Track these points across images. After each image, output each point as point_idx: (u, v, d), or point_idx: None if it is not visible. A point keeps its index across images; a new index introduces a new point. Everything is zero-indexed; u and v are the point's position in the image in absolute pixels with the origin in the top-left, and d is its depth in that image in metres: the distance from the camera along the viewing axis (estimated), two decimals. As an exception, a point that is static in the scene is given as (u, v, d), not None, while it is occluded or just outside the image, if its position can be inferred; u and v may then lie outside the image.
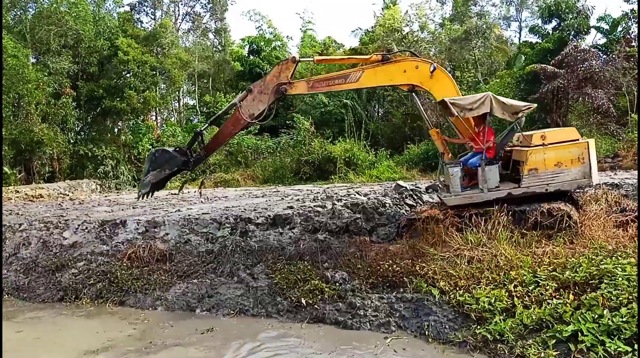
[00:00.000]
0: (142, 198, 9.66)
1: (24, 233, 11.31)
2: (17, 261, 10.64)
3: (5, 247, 11.14)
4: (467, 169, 8.29)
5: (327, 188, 17.62)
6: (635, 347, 4.82)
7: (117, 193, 23.02)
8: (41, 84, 22.84)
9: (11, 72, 21.22)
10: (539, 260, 6.74)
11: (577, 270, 6.15)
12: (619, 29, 23.81)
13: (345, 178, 22.36)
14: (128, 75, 27.13)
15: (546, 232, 7.51)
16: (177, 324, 7.59)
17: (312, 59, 9.88)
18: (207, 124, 11.26)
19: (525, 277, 6.36)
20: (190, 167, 9.41)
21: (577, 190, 8.82)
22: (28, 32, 24.08)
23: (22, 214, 13.53)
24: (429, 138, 25.03)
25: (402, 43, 29.48)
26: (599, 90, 18.21)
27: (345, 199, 10.72)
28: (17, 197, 19.18)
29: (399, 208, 10.16)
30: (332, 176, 22.96)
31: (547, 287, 6.05)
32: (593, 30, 24.91)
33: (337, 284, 7.71)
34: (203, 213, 11.24)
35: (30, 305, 9.13)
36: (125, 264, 9.62)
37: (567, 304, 5.66)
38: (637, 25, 20.58)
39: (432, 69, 8.10)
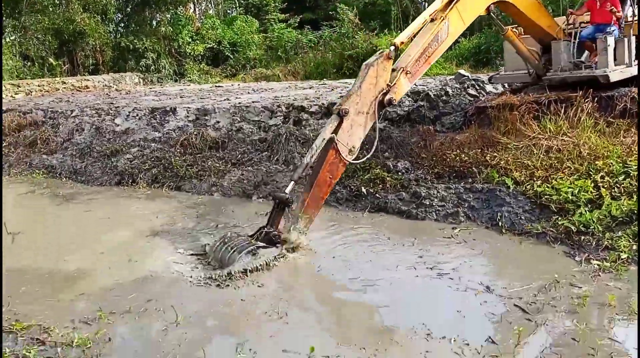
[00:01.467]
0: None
1: (77, 119, 11.31)
2: (72, 146, 10.72)
3: (59, 132, 11.19)
4: (587, 44, 7.83)
5: (376, 81, 16.87)
6: None
7: (161, 85, 22.82)
8: (81, -30, 22.00)
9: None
10: (629, 149, 6.15)
11: (675, 159, 5.60)
12: None
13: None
14: (167, -38, 25.81)
15: (635, 120, 6.82)
16: (236, 208, 7.51)
17: (393, 48, 5.82)
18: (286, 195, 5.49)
19: (613, 167, 5.84)
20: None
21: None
22: None
23: (72, 102, 13.52)
24: (480, 31, 23.58)
25: None
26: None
27: (403, 89, 10.10)
28: (65, 88, 19.27)
29: (462, 97, 9.49)
30: (378, 72, 21.99)
31: (640, 178, 5.55)
32: None
33: (400, 173, 7.38)
34: (253, 102, 10.86)
35: (89, 188, 9.24)
36: (178, 151, 9.52)
37: (663, 195, 5.19)
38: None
39: None
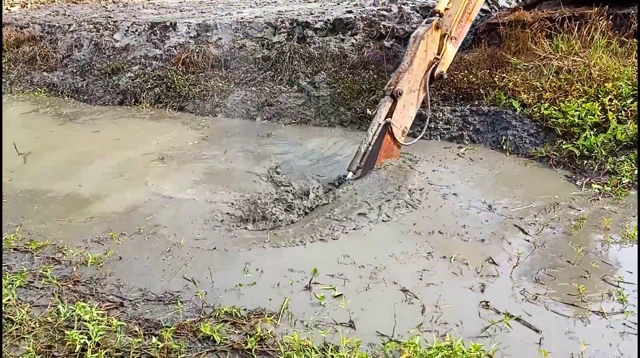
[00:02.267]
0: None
1: (75, 34, 10.98)
2: (71, 63, 10.52)
3: (58, 48, 10.94)
4: None
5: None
6: None
7: (158, -4, 21.90)
8: None
9: None
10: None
11: (688, 83, 5.48)
12: None
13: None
14: None
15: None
16: (242, 131, 7.53)
17: (438, 16, 5.47)
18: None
19: (622, 90, 5.72)
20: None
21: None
22: None
23: (69, 15, 13.08)
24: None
25: None
26: None
27: (412, 3, 9.67)
28: (59, -1, 18.49)
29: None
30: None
31: (649, 100, 5.47)
32: None
33: (406, 94, 7.28)
34: (256, 17, 10.47)
35: (92, 107, 9.21)
36: (180, 69, 9.34)
37: (671, 119, 5.15)
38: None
39: None
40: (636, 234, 4.04)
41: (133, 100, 9.23)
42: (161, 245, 4.25)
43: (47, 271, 3.83)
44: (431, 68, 5.46)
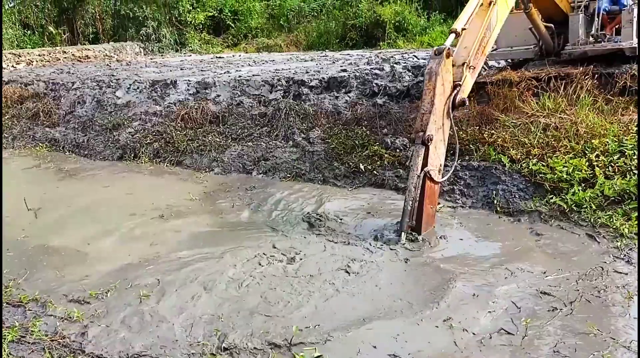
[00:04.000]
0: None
1: (78, 92, 11.32)
2: (74, 119, 10.77)
3: (61, 105, 11.23)
4: (603, 17, 7.77)
5: (379, 52, 16.71)
6: None
7: (162, 56, 22.65)
8: None
9: None
10: (625, 128, 6.18)
11: (671, 139, 5.64)
12: None
13: (395, 45, 21.11)
14: None
15: (635, 98, 6.82)
16: (239, 186, 7.61)
17: (454, 36, 5.42)
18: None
19: (608, 146, 5.89)
20: None
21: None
22: None
23: (73, 74, 13.51)
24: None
25: None
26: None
27: (404, 63, 10.05)
28: (65, 58, 19.16)
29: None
30: (380, 43, 21.72)
31: (634, 157, 5.61)
32: None
33: (398, 150, 7.44)
34: (253, 75, 10.84)
35: (92, 162, 9.35)
36: (179, 125, 9.56)
37: (656, 175, 5.26)
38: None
39: None
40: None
41: (132, 155, 9.39)
42: (145, 304, 4.24)
43: (35, 326, 3.83)
44: (452, 97, 5.28)
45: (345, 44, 22.95)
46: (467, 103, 5.54)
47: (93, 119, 10.55)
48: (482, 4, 5.67)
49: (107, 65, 16.29)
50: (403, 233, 5.06)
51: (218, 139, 9.03)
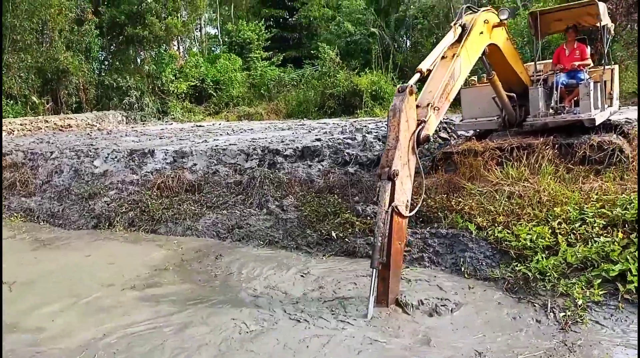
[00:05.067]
0: None
1: (56, 161, 11.40)
2: (50, 188, 10.78)
3: (38, 175, 11.26)
4: (562, 90, 8.24)
5: (354, 121, 17.23)
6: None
7: (143, 124, 23.02)
8: (63, 8, 22.36)
9: (33, -5, 20.79)
10: (586, 196, 6.40)
11: (628, 207, 5.82)
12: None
13: (372, 113, 21.83)
14: (149, 0, 26.38)
15: (594, 167, 7.12)
16: (212, 254, 7.58)
17: (418, 76, 5.58)
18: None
19: (570, 214, 6.07)
20: None
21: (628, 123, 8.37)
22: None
23: (52, 143, 13.62)
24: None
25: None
26: (650, 17, 16.95)
27: (376, 132, 10.39)
28: (47, 127, 19.39)
29: (432, 141, 9.79)
30: (358, 111, 22.45)
31: (595, 225, 5.77)
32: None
33: (369, 218, 7.55)
34: (230, 144, 11.08)
35: (67, 232, 9.27)
36: (155, 193, 9.64)
37: (615, 243, 5.39)
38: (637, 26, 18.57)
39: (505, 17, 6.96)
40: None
41: (107, 224, 9.35)
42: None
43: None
44: (416, 133, 5.34)
45: (324, 112, 23.64)
46: (431, 140, 5.63)
47: (69, 188, 10.58)
48: (445, 56, 5.98)
49: (88, 134, 16.49)
50: (374, 270, 4.98)
51: (193, 208, 9.09)
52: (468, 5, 6.68)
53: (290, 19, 37.93)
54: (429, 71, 5.71)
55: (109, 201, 9.82)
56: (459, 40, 6.13)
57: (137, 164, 10.72)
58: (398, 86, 5.43)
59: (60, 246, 8.42)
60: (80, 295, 6.08)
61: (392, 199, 5.11)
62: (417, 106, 5.49)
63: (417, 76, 5.53)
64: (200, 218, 8.81)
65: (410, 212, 5.50)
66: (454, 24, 6.19)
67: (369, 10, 30.47)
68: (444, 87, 5.78)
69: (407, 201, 5.40)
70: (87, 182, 10.68)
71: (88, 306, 5.78)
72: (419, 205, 5.75)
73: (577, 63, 8.48)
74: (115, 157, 11.15)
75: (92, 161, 11.28)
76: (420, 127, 5.38)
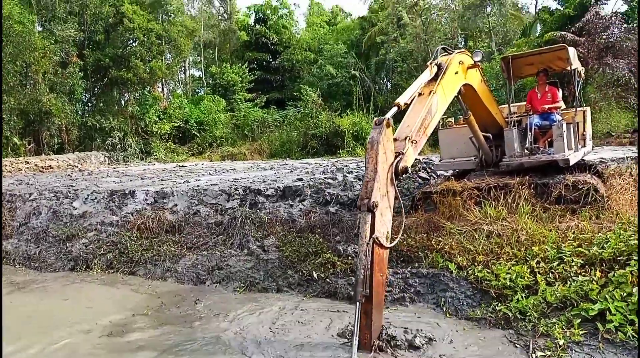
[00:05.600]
0: None
1: (34, 203, 11.23)
2: (28, 230, 10.59)
3: (16, 216, 11.06)
4: (535, 131, 8.45)
5: (336, 161, 17.38)
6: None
7: (125, 165, 22.91)
8: (48, 52, 22.53)
9: (17, 39, 20.94)
10: (563, 235, 6.47)
11: (605, 245, 5.89)
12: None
13: (353, 153, 22.08)
14: (134, 44, 26.77)
15: (570, 206, 7.24)
16: (190, 296, 7.44)
17: (396, 109, 5.65)
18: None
19: (548, 253, 6.11)
20: None
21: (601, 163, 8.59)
22: (33, -2, 23.73)
23: (32, 184, 13.46)
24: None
25: (413, 10, 28.78)
26: (620, 60, 17.63)
27: (357, 172, 10.48)
28: (28, 168, 19.19)
29: (412, 181, 9.91)
30: (340, 151, 22.72)
31: (572, 264, 5.81)
32: (613, -3, 24.12)
33: (350, 258, 7.52)
34: (212, 185, 11.06)
35: (44, 275, 9.06)
36: (134, 235, 9.52)
37: (594, 281, 5.42)
38: (637, 26, 19.58)
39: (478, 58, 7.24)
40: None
41: (84, 266, 9.17)
42: None
43: None
44: (394, 165, 5.33)
45: (307, 152, 23.86)
46: (409, 171, 5.57)
47: (47, 230, 10.40)
48: (422, 93, 6.08)
49: (69, 175, 16.34)
50: (358, 303, 4.85)
51: (173, 249, 8.97)
52: (443, 47, 6.88)
53: (273, 62, 38.63)
54: (407, 104, 5.76)
55: (87, 243, 9.67)
56: (435, 78, 6.27)
57: (117, 205, 10.62)
58: (375, 118, 5.42)
59: (35, 289, 8.22)
60: (55, 341, 5.91)
61: (372, 231, 5.05)
62: (395, 140, 5.53)
63: (394, 109, 5.59)
64: (180, 259, 8.69)
65: (390, 243, 5.43)
66: (430, 63, 6.36)
67: (350, 54, 31.26)
68: (421, 121, 5.85)
69: (388, 232, 5.34)
70: (65, 224, 10.52)
71: (63, 353, 5.60)
72: (398, 237, 5.73)
73: (547, 106, 8.73)
74: (95, 198, 11.04)
75: (72, 203, 11.14)
76: (398, 159, 5.38)
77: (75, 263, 9.30)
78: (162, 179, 12.95)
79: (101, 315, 6.69)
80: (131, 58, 25.73)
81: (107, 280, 8.49)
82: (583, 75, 9.63)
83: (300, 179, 10.25)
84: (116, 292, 7.87)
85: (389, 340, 5.26)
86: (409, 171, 5.57)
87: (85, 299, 7.56)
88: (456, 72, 6.71)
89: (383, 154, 5.24)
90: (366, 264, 4.96)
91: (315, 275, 7.33)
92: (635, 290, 5.05)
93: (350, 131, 23.08)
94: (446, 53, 6.77)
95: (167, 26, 28.16)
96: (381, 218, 5.20)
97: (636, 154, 10.45)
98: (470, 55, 7.17)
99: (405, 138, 5.61)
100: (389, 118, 5.30)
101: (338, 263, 7.40)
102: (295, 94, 29.05)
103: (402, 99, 5.68)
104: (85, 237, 9.89)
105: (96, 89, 28.02)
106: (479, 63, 7.23)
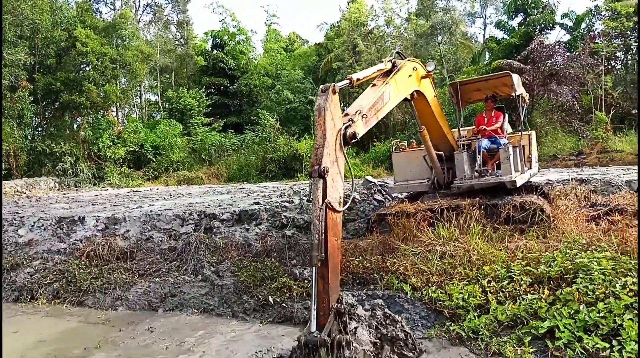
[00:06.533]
0: None
1: (-26, 231, 10.67)
2: (-34, 261, 10.02)
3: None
4: (484, 154, 8.69)
5: (294, 184, 17.38)
6: (614, 342, 4.75)
7: (77, 190, 22.21)
8: (-5, 76, 21.85)
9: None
10: (512, 254, 6.64)
11: (552, 264, 6.07)
12: (583, 25, 24.28)
13: (312, 176, 22.14)
14: (87, 68, 26.27)
15: (519, 226, 7.45)
16: (143, 327, 7.18)
17: (348, 82, 5.69)
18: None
19: (498, 272, 6.25)
20: None
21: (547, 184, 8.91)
22: (-19, 22, 23.00)
23: (-28, 212, 12.80)
24: (394, 135, 25.25)
25: (368, 38, 29.49)
26: (564, 87, 18.51)
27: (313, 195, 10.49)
28: (-31, 194, 18.23)
29: (368, 203, 9.99)
30: (298, 174, 22.79)
31: (522, 282, 5.95)
32: (557, 27, 25.39)
33: (306, 281, 7.47)
34: (165, 209, 10.84)
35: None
36: (83, 262, 9.18)
37: (542, 299, 5.56)
38: (637, 27, 20.70)
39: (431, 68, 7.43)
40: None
41: (29, 297, 8.75)
42: None
43: None
44: (342, 130, 5.29)
45: (265, 175, 23.80)
46: (358, 138, 5.48)
47: (-11, 259, 9.89)
48: (375, 84, 6.21)
49: (15, 202, 15.68)
50: (315, 268, 4.78)
51: (124, 276, 8.68)
52: (397, 51, 7.05)
53: (231, 87, 38.60)
54: (359, 80, 5.81)
55: (32, 272, 9.24)
56: (387, 74, 6.36)
57: (65, 233, 10.24)
58: (322, 86, 5.34)
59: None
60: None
61: (324, 196, 4.99)
62: (346, 115, 5.56)
63: (345, 82, 5.62)
64: (131, 286, 8.41)
65: (342, 207, 5.39)
66: (385, 60, 6.47)
67: (307, 79, 31.61)
68: (373, 103, 5.93)
69: (340, 197, 5.31)
70: (9, 252, 10.05)
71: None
72: (350, 200, 5.66)
73: (484, 127, 9.04)
74: (42, 225, 10.61)
75: (17, 230, 10.67)
76: (346, 124, 5.38)
77: (19, 294, 8.86)
78: (114, 205, 12.60)
79: (42, 351, 6.36)
80: (84, 82, 25.20)
81: (51, 312, 8.12)
82: (527, 100, 10.04)
83: (257, 203, 10.17)
84: (61, 324, 7.52)
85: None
86: (358, 138, 5.61)
87: (37, 333, 7.19)
88: (410, 75, 6.87)
89: (331, 120, 5.21)
90: (320, 229, 4.90)
91: (271, 299, 7.23)
92: (582, 307, 5.21)
93: (309, 155, 23.16)
94: (400, 58, 6.94)
95: (122, 50, 27.79)
96: (333, 184, 5.15)
97: (580, 176, 10.90)
98: (423, 65, 7.35)
99: (356, 112, 5.63)
100: (334, 84, 5.27)
101: (294, 286, 7.33)
102: (253, 118, 29.08)
103: (355, 75, 5.74)
104: (31, 266, 9.46)
105: (47, 113, 27.24)
106: (431, 73, 7.44)
